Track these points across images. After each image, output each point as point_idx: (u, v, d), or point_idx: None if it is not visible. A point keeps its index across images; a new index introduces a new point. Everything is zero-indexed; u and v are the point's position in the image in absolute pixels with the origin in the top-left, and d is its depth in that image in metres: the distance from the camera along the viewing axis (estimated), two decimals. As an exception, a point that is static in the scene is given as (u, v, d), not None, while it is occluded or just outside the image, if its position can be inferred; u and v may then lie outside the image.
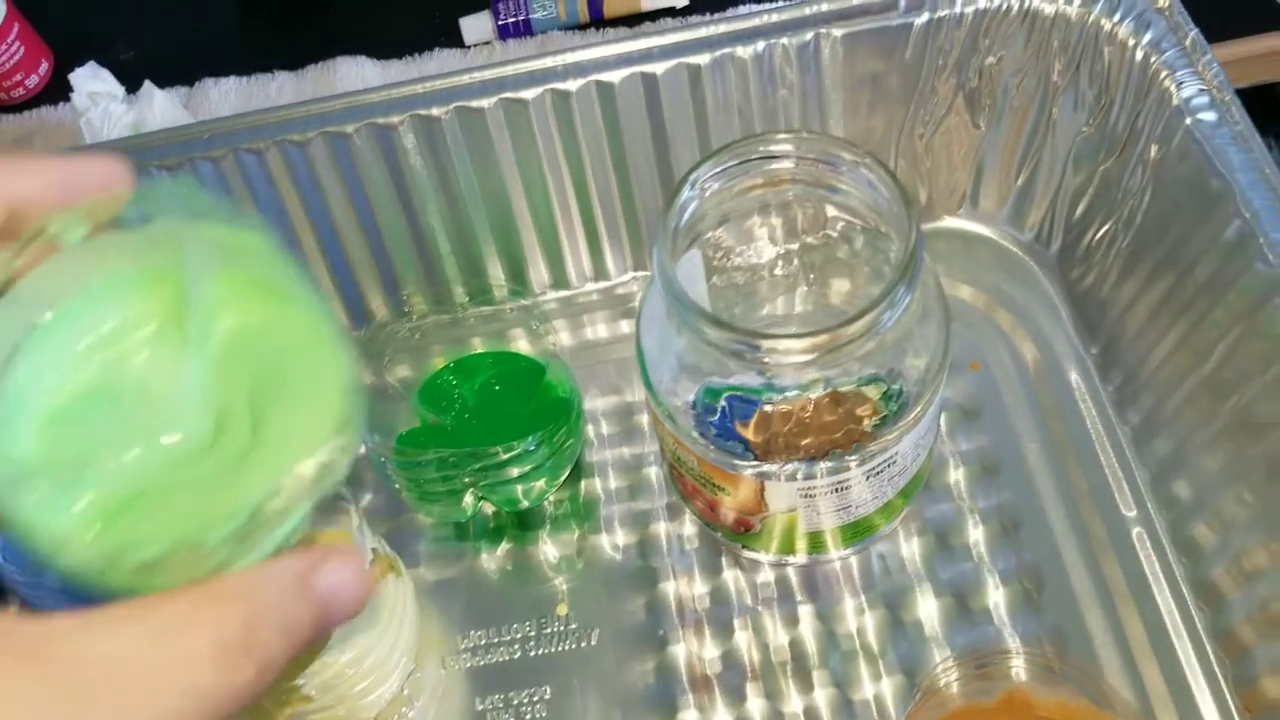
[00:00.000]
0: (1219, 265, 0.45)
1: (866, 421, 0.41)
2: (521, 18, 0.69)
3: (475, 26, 0.69)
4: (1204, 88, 0.47)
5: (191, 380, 0.25)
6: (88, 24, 0.75)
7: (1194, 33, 0.48)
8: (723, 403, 0.42)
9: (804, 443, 0.41)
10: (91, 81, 0.61)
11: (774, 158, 0.41)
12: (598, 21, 0.69)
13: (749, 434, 0.42)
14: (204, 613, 0.21)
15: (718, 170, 0.41)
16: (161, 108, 0.60)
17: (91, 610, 0.20)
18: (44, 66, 0.71)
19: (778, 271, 0.49)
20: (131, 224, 0.26)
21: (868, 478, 0.43)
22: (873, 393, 0.42)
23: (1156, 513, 0.49)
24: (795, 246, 0.48)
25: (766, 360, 0.38)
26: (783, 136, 0.41)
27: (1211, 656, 0.46)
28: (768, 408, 0.41)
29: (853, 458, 0.42)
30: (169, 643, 0.20)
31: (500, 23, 0.69)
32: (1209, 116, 0.46)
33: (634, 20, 0.69)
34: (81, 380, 0.25)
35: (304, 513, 0.24)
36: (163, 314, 0.26)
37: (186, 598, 0.21)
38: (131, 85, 0.64)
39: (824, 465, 0.42)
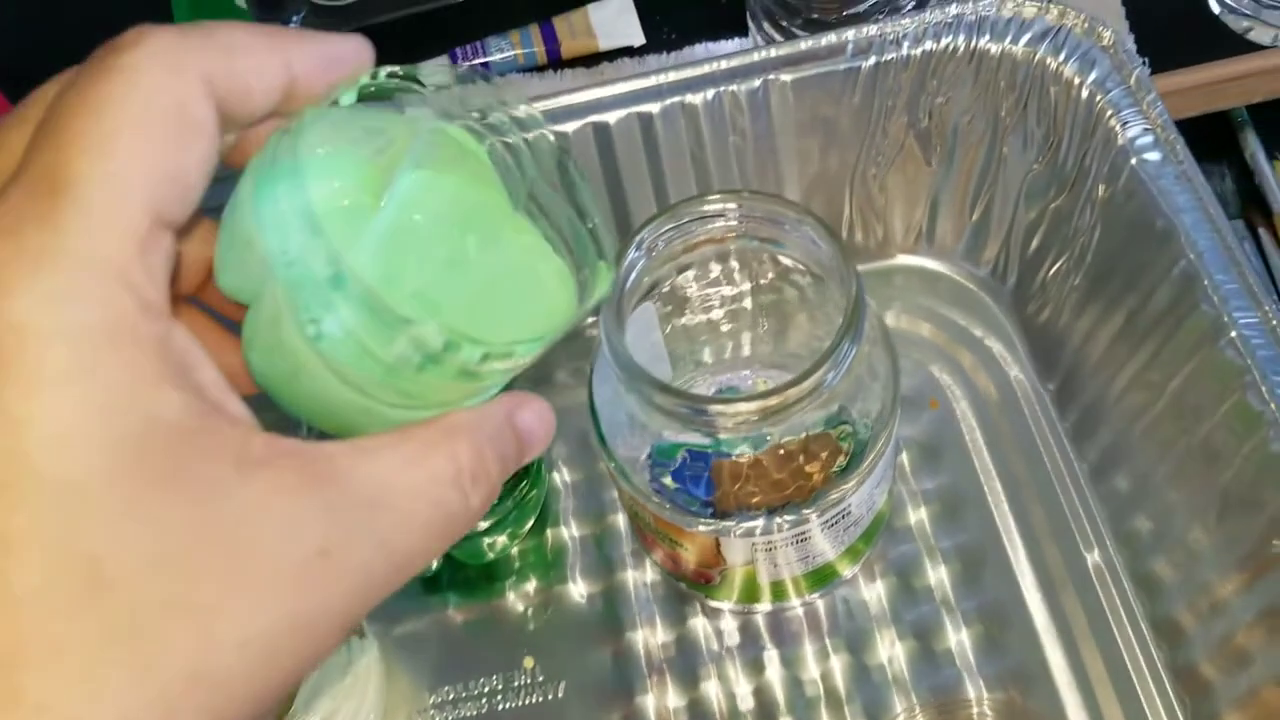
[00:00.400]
0: (1168, 304, 0.45)
1: (817, 476, 0.41)
2: (480, 61, 0.69)
3: (434, 72, 0.69)
4: (1148, 126, 0.47)
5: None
6: (46, 68, 0.75)
7: (1138, 70, 0.48)
8: (675, 460, 0.42)
9: (755, 500, 0.41)
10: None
11: (718, 216, 0.41)
12: (555, 63, 0.69)
13: (701, 493, 0.42)
14: (443, 443, 0.23)
15: (662, 231, 0.41)
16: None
17: (354, 440, 0.22)
18: None
19: (734, 315, 0.50)
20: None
21: (825, 528, 0.43)
22: (823, 445, 0.42)
23: (1115, 549, 0.49)
24: (748, 289, 0.48)
25: (715, 424, 0.38)
26: (717, 197, 0.41)
27: (1172, 694, 0.46)
28: (719, 465, 0.42)
29: (809, 510, 0.42)
30: (421, 467, 0.23)
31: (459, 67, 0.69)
32: (1153, 156, 0.46)
33: (592, 60, 0.69)
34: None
35: (524, 364, 0.26)
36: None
37: (427, 430, 0.23)
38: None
39: (780, 520, 0.42)
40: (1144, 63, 0.49)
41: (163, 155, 0.20)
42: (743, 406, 0.38)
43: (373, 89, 0.26)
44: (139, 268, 0.20)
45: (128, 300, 0.20)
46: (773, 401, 0.37)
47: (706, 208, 0.41)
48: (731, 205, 0.41)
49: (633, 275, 0.41)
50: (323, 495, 0.21)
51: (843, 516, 0.43)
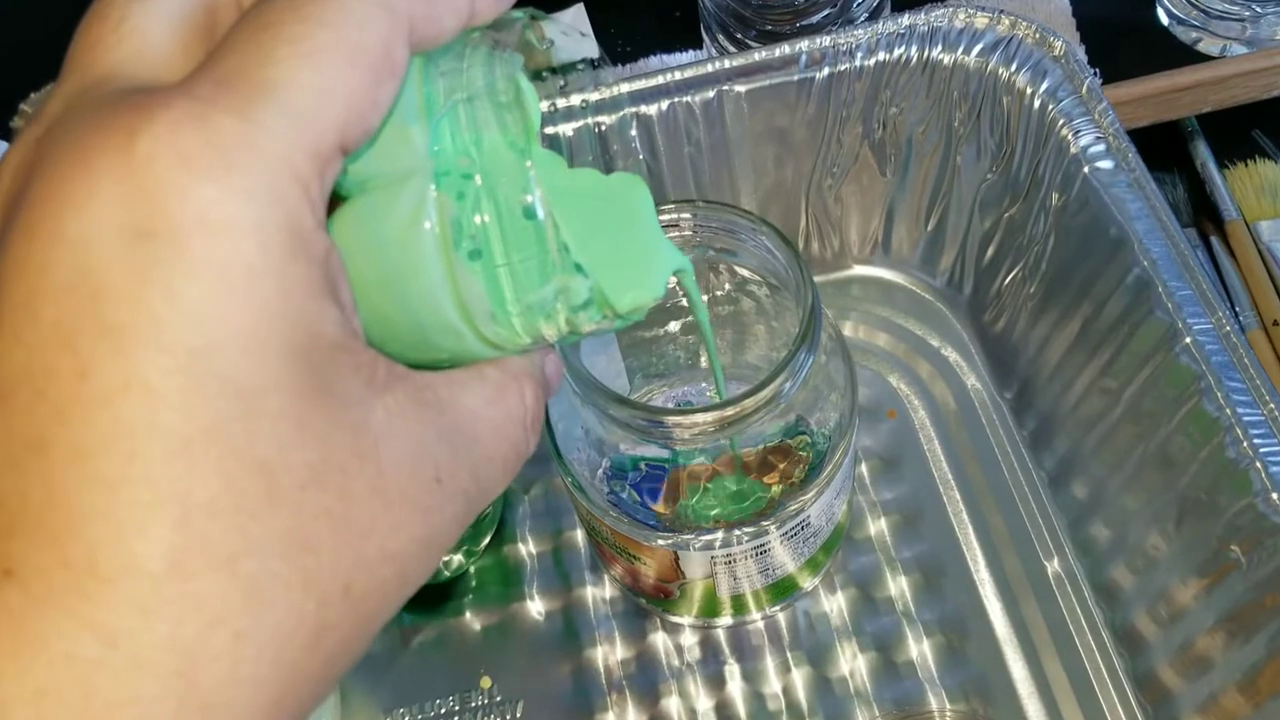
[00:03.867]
0: (1122, 311, 0.45)
1: (775, 487, 0.41)
2: (432, 74, 0.68)
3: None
4: (1100, 135, 0.47)
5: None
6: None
7: (1089, 79, 0.48)
8: (631, 474, 0.42)
9: (714, 511, 0.41)
10: None
11: (673, 226, 0.41)
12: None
13: (659, 506, 0.41)
14: (513, 385, 0.24)
15: (617, 241, 0.41)
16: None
17: (445, 373, 0.23)
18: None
19: (688, 327, 0.49)
20: None
21: (784, 540, 0.43)
22: (781, 456, 0.41)
23: (1075, 557, 0.49)
24: (704, 299, 0.48)
25: (672, 435, 0.38)
26: (672, 207, 0.40)
27: (1133, 702, 0.46)
28: (677, 477, 0.41)
29: (768, 522, 0.41)
30: (499, 405, 0.23)
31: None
32: (1106, 164, 0.46)
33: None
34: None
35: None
36: None
37: (497, 371, 0.24)
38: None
39: (739, 532, 0.41)
40: (1095, 73, 0.49)
41: (365, 88, 0.20)
42: (700, 418, 0.37)
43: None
44: (319, 183, 0.20)
45: (308, 211, 0.19)
46: (729, 412, 0.37)
47: (661, 217, 0.41)
48: (686, 215, 0.41)
49: (587, 286, 0.41)
50: (435, 422, 0.21)
51: (802, 528, 0.42)
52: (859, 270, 0.58)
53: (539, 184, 0.23)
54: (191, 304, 0.18)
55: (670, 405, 0.50)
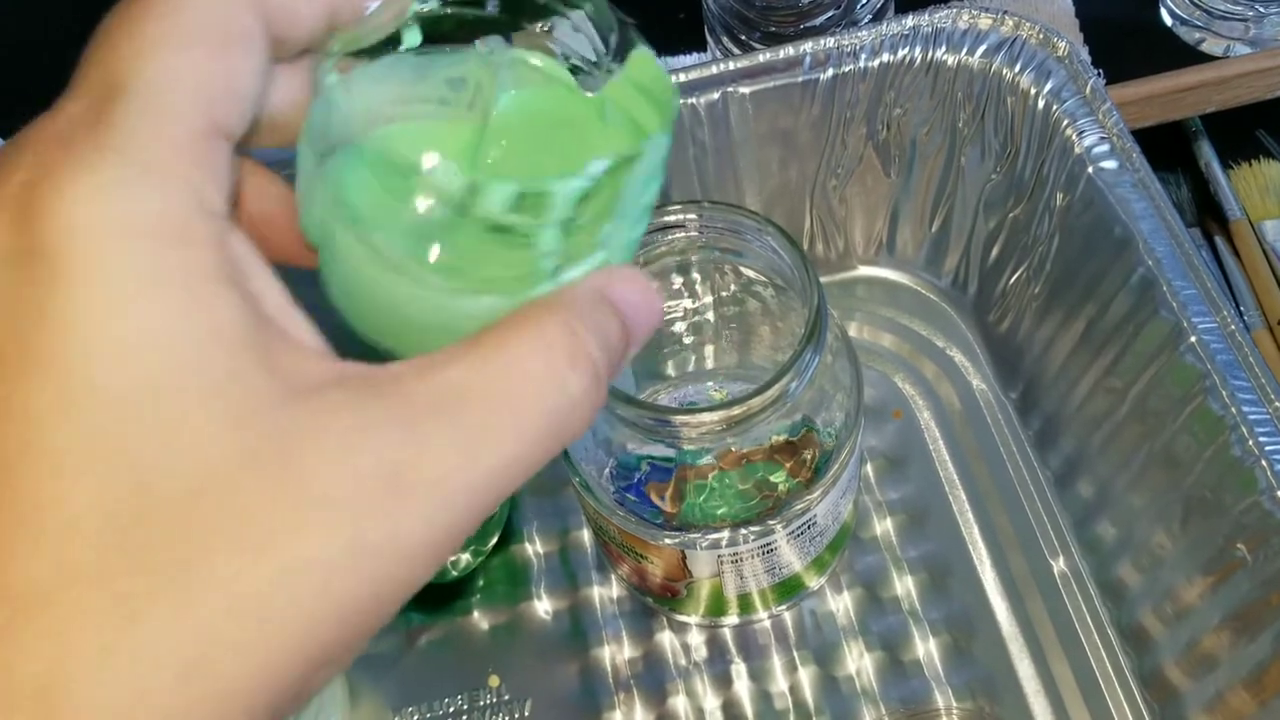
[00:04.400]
0: (1127, 311, 0.45)
1: (782, 486, 0.41)
2: (438, 77, 0.68)
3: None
4: (1104, 135, 0.47)
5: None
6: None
7: (1093, 80, 0.49)
8: (639, 473, 0.42)
9: (721, 510, 0.41)
10: None
11: (678, 226, 0.41)
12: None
13: (665, 505, 0.41)
14: (521, 330, 0.21)
15: (623, 241, 0.41)
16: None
17: (425, 355, 0.20)
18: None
19: (696, 327, 0.49)
20: None
21: (791, 539, 0.43)
22: (787, 456, 0.41)
23: (1081, 556, 0.49)
24: (710, 301, 0.48)
25: (679, 434, 0.38)
26: (677, 208, 0.41)
27: (1140, 700, 0.46)
28: (684, 477, 0.41)
29: (774, 521, 0.42)
30: (495, 362, 0.20)
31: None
32: (1110, 165, 0.47)
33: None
34: None
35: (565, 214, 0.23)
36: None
37: (500, 326, 0.21)
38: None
39: (745, 531, 0.41)
40: (1099, 74, 0.49)
41: (212, 61, 0.20)
42: (706, 417, 0.37)
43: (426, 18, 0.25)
44: (194, 167, 0.19)
45: (183, 196, 0.19)
46: (736, 412, 0.37)
47: (667, 218, 0.41)
48: (692, 216, 0.41)
49: (594, 287, 0.41)
50: (387, 410, 0.19)
51: (809, 527, 0.43)
52: (864, 271, 0.58)
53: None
54: (65, 318, 0.17)
55: (676, 405, 0.50)
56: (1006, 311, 0.53)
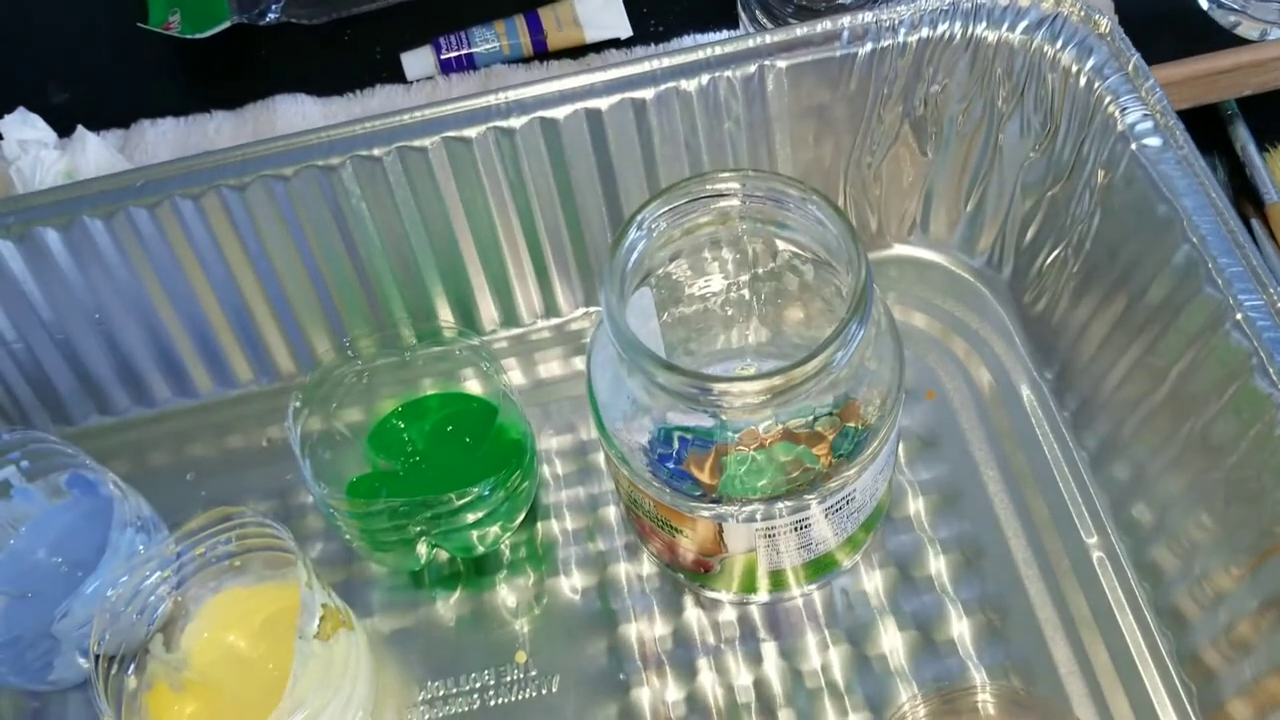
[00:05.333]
0: (1170, 289, 0.45)
1: (823, 460, 0.41)
2: (464, 52, 0.68)
3: (417, 62, 0.68)
4: (1147, 113, 0.47)
5: None
6: (18, 66, 0.73)
7: (1135, 58, 0.48)
8: (677, 444, 0.41)
9: (760, 484, 0.41)
10: (21, 128, 0.59)
11: (721, 196, 0.41)
12: (541, 55, 0.68)
13: (704, 476, 0.41)
14: None
15: (664, 210, 0.41)
16: (95, 153, 0.59)
17: None
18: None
19: (730, 303, 0.49)
20: None
21: (827, 515, 0.43)
22: (828, 430, 0.41)
23: (1117, 538, 0.49)
24: (746, 278, 0.48)
25: (720, 403, 0.37)
26: (728, 175, 0.40)
27: (1177, 681, 0.45)
28: (723, 449, 0.41)
29: (811, 496, 0.41)
30: None
31: (442, 58, 0.68)
32: (1153, 141, 0.46)
33: (578, 52, 0.68)
34: None
35: None
36: None
37: None
38: (64, 129, 0.63)
39: (782, 505, 0.41)
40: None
41: None
42: (748, 386, 0.37)
43: None
44: None
45: None
46: (778, 381, 0.37)
47: (709, 187, 0.40)
48: (735, 184, 0.41)
49: (633, 256, 0.41)
50: None
51: (847, 502, 0.42)
52: (898, 250, 0.58)
53: None
54: None
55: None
56: (1042, 292, 0.53)
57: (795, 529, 0.42)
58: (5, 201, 0.52)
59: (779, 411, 0.40)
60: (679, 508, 0.42)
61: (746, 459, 0.41)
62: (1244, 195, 0.58)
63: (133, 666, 0.46)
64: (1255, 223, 0.57)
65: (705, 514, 0.42)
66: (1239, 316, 0.41)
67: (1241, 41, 0.62)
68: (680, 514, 0.42)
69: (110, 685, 0.44)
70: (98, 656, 0.44)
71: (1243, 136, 0.59)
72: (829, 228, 0.39)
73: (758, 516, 0.41)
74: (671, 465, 0.41)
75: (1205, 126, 0.60)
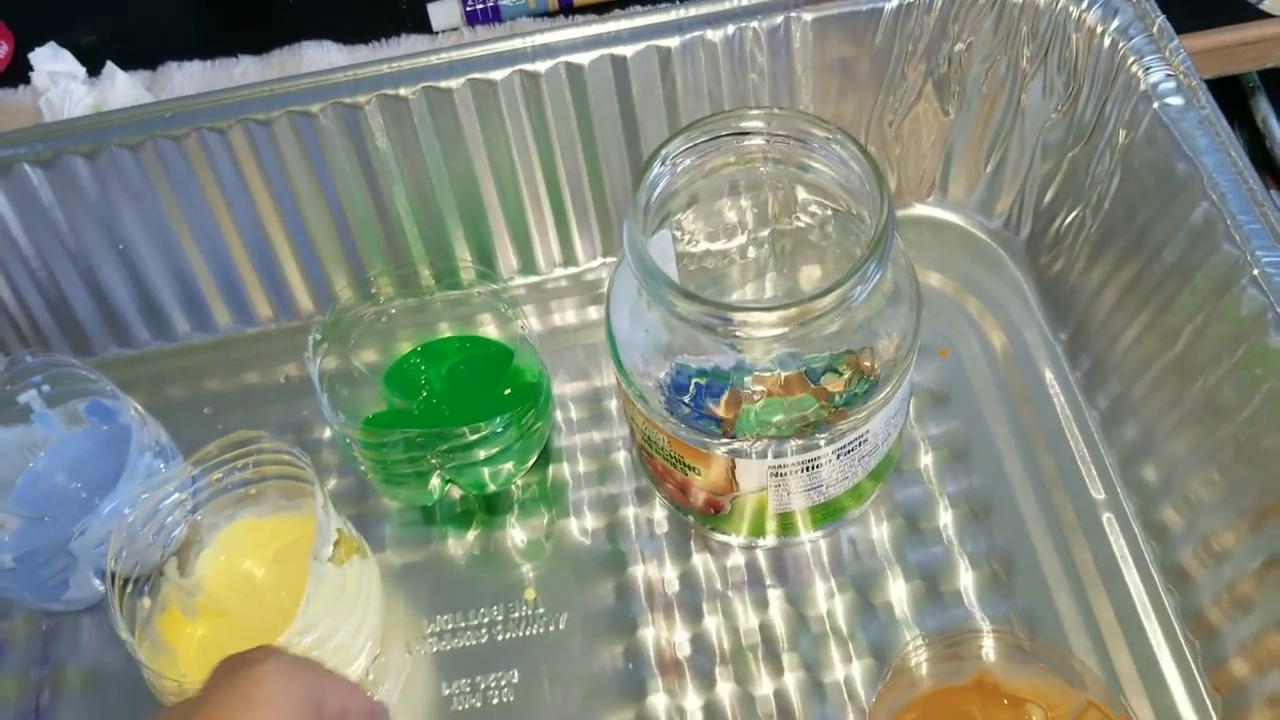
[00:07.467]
0: (1186, 248, 0.45)
1: (838, 398, 0.41)
2: (490, 4, 0.68)
3: (443, 12, 0.69)
4: (1171, 73, 0.47)
5: None
6: (49, 7, 0.74)
7: (1160, 19, 0.48)
8: (694, 381, 0.42)
9: (775, 420, 0.41)
10: (52, 61, 0.60)
11: (745, 134, 0.41)
12: (567, 8, 0.69)
13: (720, 412, 0.41)
14: None
15: (689, 146, 0.41)
16: (124, 89, 0.59)
17: None
18: (3, 49, 0.70)
19: (748, 257, 0.49)
20: None
21: (838, 457, 0.43)
22: (846, 370, 0.41)
23: (1125, 496, 0.49)
24: (765, 233, 0.48)
25: (738, 334, 0.38)
26: (755, 113, 0.41)
27: (1181, 637, 0.46)
28: (739, 386, 0.41)
29: (823, 436, 0.42)
30: None
31: (469, 9, 0.68)
32: (1176, 101, 0.46)
33: (603, 8, 0.69)
34: None
35: None
36: None
37: None
38: (93, 69, 0.63)
39: (795, 443, 0.41)
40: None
41: None
42: (766, 316, 0.37)
43: None
44: None
45: None
46: (794, 312, 0.37)
47: (735, 123, 0.41)
48: (759, 123, 0.41)
49: (656, 191, 0.41)
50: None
51: (859, 444, 0.43)
52: (916, 210, 0.58)
53: None
54: None
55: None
56: (1059, 253, 0.53)
57: (805, 469, 0.43)
58: (34, 129, 0.53)
59: (795, 349, 0.40)
60: (693, 444, 0.42)
61: (761, 395, 0.41)
62: (1264, 168, 0.58)
63: (147, 588, 0.47)
64: (1275, 194, 0.57)
65: (719, 451, 0.42)
66: (1256, 272, 0.42)
67: (1264, 16, 0.62)
68: (695, 450, 0.42)
69: (125, 605, 0.45)
70: (113, 575, 0.44)
71: (1264, 109, 0.59)
72: (853, 167, 0.40)
73: (770, 454, 0.42)
74: (687, 401, 0.42)
75: (1226, 98, 0.60)
